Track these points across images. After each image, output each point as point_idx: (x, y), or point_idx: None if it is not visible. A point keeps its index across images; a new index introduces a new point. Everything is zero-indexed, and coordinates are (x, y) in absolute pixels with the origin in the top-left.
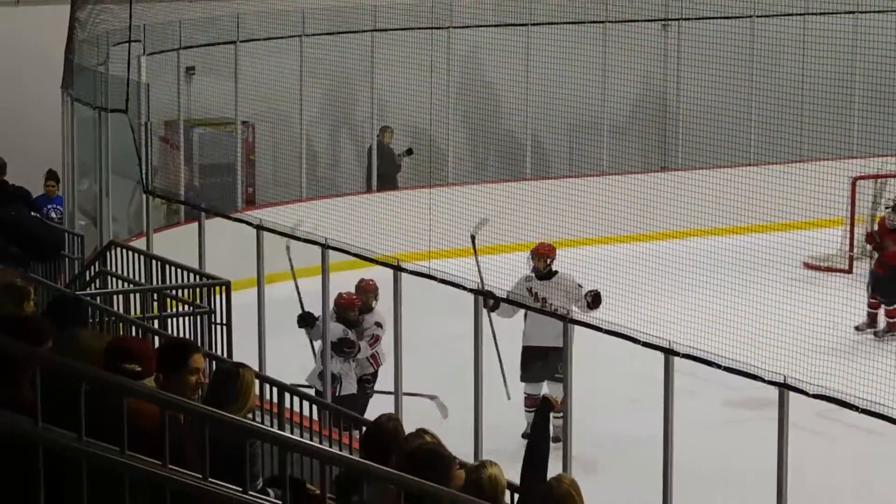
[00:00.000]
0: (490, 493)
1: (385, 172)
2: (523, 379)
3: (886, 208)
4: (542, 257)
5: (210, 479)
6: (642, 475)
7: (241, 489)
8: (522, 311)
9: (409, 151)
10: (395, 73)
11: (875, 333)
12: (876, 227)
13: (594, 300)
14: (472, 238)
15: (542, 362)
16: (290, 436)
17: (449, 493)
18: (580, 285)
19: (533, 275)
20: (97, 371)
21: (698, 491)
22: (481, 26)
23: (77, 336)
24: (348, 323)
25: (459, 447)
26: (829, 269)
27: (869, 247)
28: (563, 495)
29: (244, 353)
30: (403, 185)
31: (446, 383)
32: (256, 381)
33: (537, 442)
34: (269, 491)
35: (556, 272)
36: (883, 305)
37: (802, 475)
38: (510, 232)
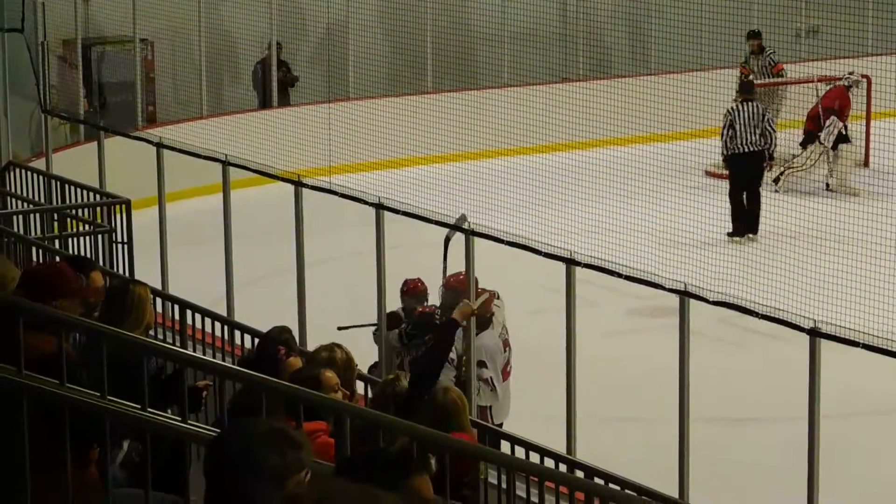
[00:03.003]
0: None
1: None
2: None
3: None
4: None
5: (109, 398)
6: (546, 385)
7: (139, 406)
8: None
9: (295, 79)
10: None
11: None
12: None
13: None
14: (447, 241)
15: None
16: (184, 351)
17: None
18: None
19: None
20: None
21: (602, 400)
22: None
23: None
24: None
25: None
26: None
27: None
28: (448, 403)
29: (146, 271)
30: (302, 101)
31: (351, 295)
32: (152, 298)
33: (434, 351)
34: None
35: None
36: None
37: (705, 382)
38: (412, 146)
